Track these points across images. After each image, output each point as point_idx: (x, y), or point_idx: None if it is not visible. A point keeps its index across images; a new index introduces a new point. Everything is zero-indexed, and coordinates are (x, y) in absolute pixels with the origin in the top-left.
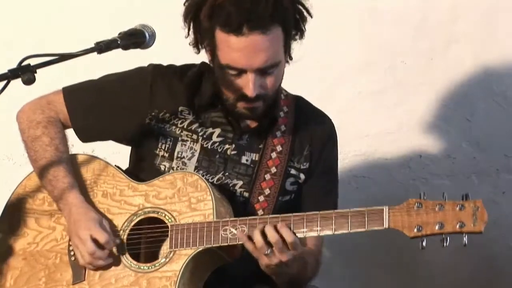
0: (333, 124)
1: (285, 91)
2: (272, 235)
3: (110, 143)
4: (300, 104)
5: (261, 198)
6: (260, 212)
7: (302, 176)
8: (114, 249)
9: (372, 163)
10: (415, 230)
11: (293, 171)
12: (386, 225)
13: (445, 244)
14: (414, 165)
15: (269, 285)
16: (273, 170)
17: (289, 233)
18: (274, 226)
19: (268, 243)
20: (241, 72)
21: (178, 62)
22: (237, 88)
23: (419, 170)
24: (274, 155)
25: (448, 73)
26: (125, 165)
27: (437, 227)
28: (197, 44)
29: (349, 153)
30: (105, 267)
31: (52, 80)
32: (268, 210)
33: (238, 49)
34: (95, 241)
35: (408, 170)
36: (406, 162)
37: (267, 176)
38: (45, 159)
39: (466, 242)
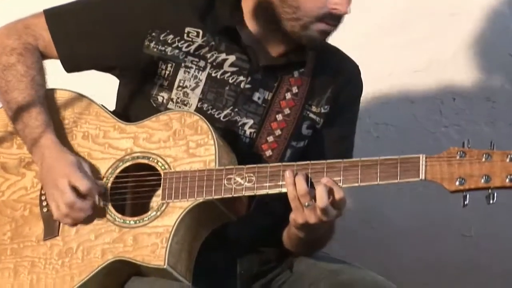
0: (359, 71)
1: None
2: (320, 194)
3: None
4: (322, 45)
5: (270, 138)
6: (268, 153)
7: (321, 120)
8: (97, 199)
9: (396, 107)
10: (457, 183)
11: (311, 115)
12: (422, 176)
13: (491, 201)
14: (446, 110)
15: (274, 250)
16: (286, 111)
17: (339, 189)
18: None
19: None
20: None
21: None
22: (320, 4)
23: (452, 115)
24: (288, 96)
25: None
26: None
27: (482, 180)
28: None
29: (368, 95)
30: (84, 221)
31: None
32: (277, 151)
33: None
34: (74, 189)
35: (439, 115)
36: (436, 106)
37: (279, 117)
38: (18, 91)
39: None
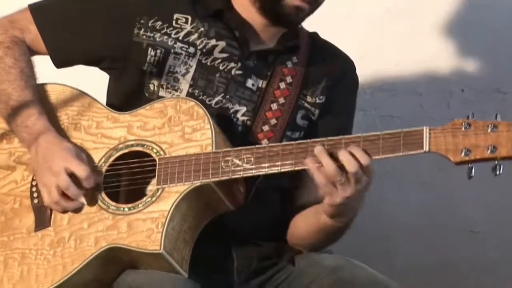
0: (353, 63)
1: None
2: (347, 159)
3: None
4: (316, 39)
5: (266, 127)
6: (264, 142)
7: (316, 111)
8: (92, 189)
9: (402, 98)
10: (462, 154)
11: (306, 105)
12: (426, 147)
13: (497, 172)
14: (454, 102)
15: (274, 244)
16: (281, 100)
17: (364, 155)
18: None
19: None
20: None
21: None
22: None
23: (460, 107)
24: (282, 85)
25: None
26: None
27: (488, 151)
28: None
29: (374, 87)
30: (76, 210)
31: None
32: (273, 141)
33: None
34: (71, 176)
35: (447, 108)
36: (445, 98)
37: (274, 106)
38: (8, 82)
39: None
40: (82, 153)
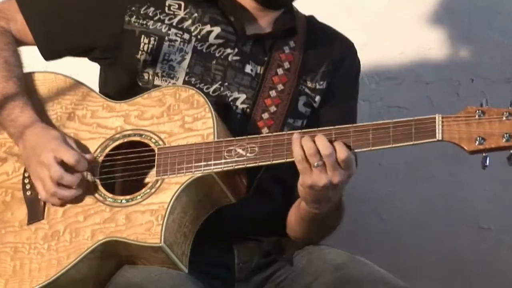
0: (355, 48)
1: (295, 8)
2: (325, 146)
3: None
4: (313, 23)
5: (265, 115)
6: (264, 130)
7: (317, 98)
8: (87, 175)
9: (409, 89)
10: (476, 142)
11: (306, 90)
12: (439, 136)
13: None
14: (464, 92)
15: (274, 240)
16: (280, 87)
17: (343, 148)
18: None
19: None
20: None
21: None
22: None
23: (470, 97)
24: (280, 71)
25: None
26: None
27: (504, 139)
28: None
29: (379, 76)
30: (71, 201)
31: None
32: (274, 129)
33: None
34: (61, 164)
35: (456, 98)
36: (453, 88)
37: (273, 93)
38: None
39: None
40: (70, 139)
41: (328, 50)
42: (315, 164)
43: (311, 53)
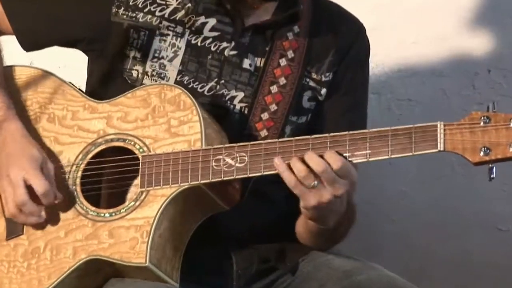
0: (364, 28)
1: None
2: (316, 163)
3: (55, 53)
4: (318, 3)
5: (265, 115)
6: (263, 133)
7: (323, 90)
8: (68, 181)
9: (421, 80)
10: (481, 153)
11: (311, 83)
12: (440, 146)
13: None
14: (480, 83)
15: (274, 246)
16: (282, 81)
17: (336, 157)
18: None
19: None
20: None
21: None
22: None
23: (487, 90)
24: (283, 62)
25: None
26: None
27: (511, 149)
28: None
29: (388, 67)
30: (51, 215)
31: None
32: (274, 130)
33: None
34: (29, 189)
35: (472, 90)
36: (469, 80)
37: (273, 89)
38: None
39: None
40: (50, 166)
41: (335, 35)
42: (311, 185)
43: (317, 39)
